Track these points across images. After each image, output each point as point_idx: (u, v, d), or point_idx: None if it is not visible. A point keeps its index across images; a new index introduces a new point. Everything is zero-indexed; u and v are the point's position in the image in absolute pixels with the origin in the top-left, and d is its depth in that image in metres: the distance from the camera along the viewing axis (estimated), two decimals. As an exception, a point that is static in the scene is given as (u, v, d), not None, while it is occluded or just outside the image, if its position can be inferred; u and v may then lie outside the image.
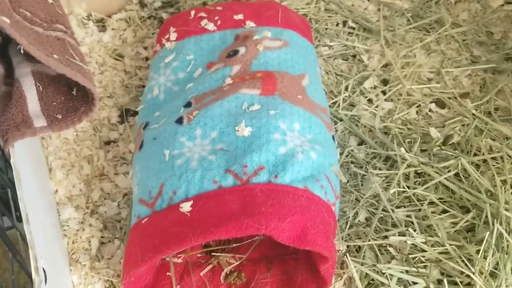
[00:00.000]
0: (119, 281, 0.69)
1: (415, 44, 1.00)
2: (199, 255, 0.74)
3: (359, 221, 0.76)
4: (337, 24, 1.04)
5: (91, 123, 0.87)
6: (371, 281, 0.69)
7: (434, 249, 0.70)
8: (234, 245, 0.74)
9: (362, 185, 0.80)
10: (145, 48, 1.00)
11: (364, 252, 0.72)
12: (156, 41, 0.90)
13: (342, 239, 0.74)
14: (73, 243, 0.73)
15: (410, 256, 0.70)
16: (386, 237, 0.73)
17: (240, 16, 0.86)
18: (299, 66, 0.79)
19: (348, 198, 0.78)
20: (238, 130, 0.68)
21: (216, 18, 0.86)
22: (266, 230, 0.57)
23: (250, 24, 0.85)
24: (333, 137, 0.76)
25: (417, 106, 0.92)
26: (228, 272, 0.72)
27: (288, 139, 0.67)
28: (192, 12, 0.89)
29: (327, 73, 0.96)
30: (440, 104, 0.92)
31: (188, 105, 0.74)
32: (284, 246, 0.71)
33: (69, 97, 0.67)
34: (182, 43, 0.85)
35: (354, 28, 1.03)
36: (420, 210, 0.75)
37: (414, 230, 0.72)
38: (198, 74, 0.80)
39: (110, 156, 0.83)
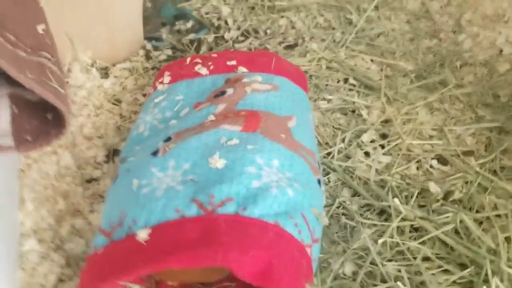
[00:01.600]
0: (71, 322, 0.63)
1: (417, 102, 0.96)
2: (165, 301, 0.67)
3: (344, 274, 0.69)
4: (338, 81, 1.03)
5: (76, 161, 0.85)
6: None
7: (425, 309, 0.62)
8: (204, 291, 0.68)
9: (351, 237, 0.73)
10: (144, 95, 1.00)
11: (346, 308, 0.64)
12: (152, 85, 0.90)
13: (323, 292, 0.66)
14: (29, 277, 0.68)
15: (398, 314, 0.61)
16: (372, 292, 0.65)
17: (233, 62, 0.86)
18: (287, 109, 0.77)
19: (334, 250, 0.71)
20: (211, 162, 0.64)
21: (210, 63, 0.86)
22: (224, 262, 0.52)
23: (242, 69, 0.84)
24: (318, 181, 0.71)
25: (417, 162, 0.86)
26: (192, 320, 0.65)
27: (264, 174, 0.63)
28: (188, 59, 0.90)
29: (324, 125, 0.93)
30: (442, 161, 0.87)
31: (168, 139, 0.72)
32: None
33: (44, 122, 0.66)
34: (175, 85, 0.85)
35: (354, 85, 1.02)
36: (412, 265, 0.68)
37: (405, 286, 0.64)
38: (185, 113, 0.78)
39: (89, 193, 0.80)
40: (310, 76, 1.03)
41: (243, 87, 0.78)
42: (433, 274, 0.66)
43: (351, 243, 0.72)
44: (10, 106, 0.65)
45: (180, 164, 0.65)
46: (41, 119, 0.66)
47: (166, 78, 0.87)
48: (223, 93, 0.79)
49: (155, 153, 0.69)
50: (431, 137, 0.91)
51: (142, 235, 0.57)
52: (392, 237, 0.72)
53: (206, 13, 1.21)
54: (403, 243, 0.71)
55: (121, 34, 1.03)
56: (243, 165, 0.63)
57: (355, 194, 0.81)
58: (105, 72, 1.03)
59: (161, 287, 0.67)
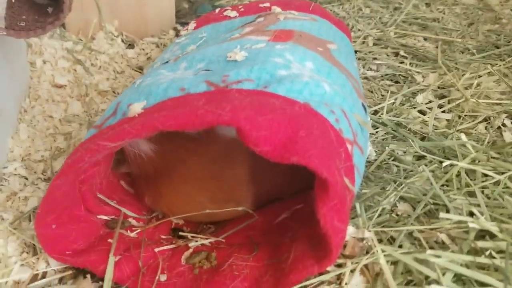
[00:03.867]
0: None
1: (481, 72, 0.83)
2: (163, 236, 0.53)
3: (397, 214, 0.52)
4: (387, 55, 0.91)
5: (86, 112, 0.75)
6: (409, 276, 0.43)
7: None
8: (211, 228, 0.53)
9: (405, 178, 0.57)
10: (170, 65, 0.91)
11: (401, 243, 0.47)
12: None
13: (369, 227, 0.50)
14: (6, 200, 0.55)
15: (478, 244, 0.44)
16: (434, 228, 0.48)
17: (266, 4, 0.76)
18: (326, 35, 0.65)
19: (383, 189, 0.56)
20: (229, 56, 0.52)
21: (241, 7, 0.78)
22: (233, 120, 0.38)
23: (276, 9, 0.74)
24: (363, 105, 0.57)
25: (486, 121, 0.71)
26: (193, 252, 0.49)
27: (294, 67, 0.50)
28: (218, 9, 0.81)
29: (372, 91, 0.80)
30: (517, 120, 0.71)
31: (184, 58, 0.61)
32: (280, 231, 0.50)
33: (43, 15, 0.57)
34: (200, 29, 0.76)
35: (406, 57, 0.89)
36: (489, 201, 0.51)
37: (482, 215, 0.47)
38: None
39: (94, 137, 0.69)
40: (355, 51, 0.92)
41: (276, 16, 0.68)
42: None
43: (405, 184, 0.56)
44: (8, -6, 0.57)
45: (193, 64, 0.54)
46: (41, 14, 0.58)
47: (191, 25, 0.78)
48: (252, 22, 0.69)
49: (165, 63, 0.59)
50: (500, 100, 0.76)
51: (135, 108, 0.45)
52: (460, 181, 0.56)
53: (245, 8, 1.16)
54: (475, 184, 0.55)
55: (152, 9, 0.97)
56: (268, 55, 0.51)
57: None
58: (129, 44, 0.97)
59: (163, 222, 0.54)
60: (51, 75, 0.81)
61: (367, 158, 0.63)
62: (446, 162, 0.56)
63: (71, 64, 0.85)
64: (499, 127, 0.69)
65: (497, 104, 0.74)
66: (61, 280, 0.47)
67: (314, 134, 0.40)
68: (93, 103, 0.77)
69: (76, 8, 0.92)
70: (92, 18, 0.94)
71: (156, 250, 0.49)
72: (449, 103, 0.75)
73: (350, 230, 0.48)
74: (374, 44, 0.95)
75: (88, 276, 0.47)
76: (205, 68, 0.52)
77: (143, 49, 0.95)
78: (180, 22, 1.05)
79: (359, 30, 0.99)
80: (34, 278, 0.46)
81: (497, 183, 0.54)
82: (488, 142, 0.64)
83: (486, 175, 0.56)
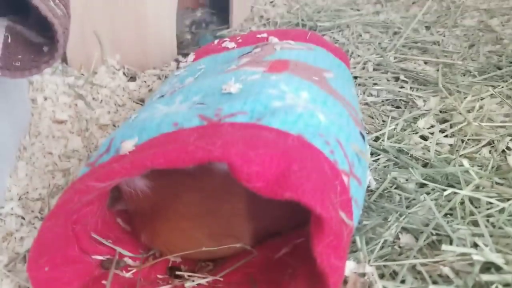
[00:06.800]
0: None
1: (483, 94, 0.82)
2: (160, 276, 0.52)
3: (399, 246, 0.51)
4: (388, 80, 0.91)
5: (86, 147, 0.75)
6: (412, 313, 0.42)
7: (521, 273, 0.42)
8: (209, 265, 0.52)
9: (407, 207, 0.56)
10: (170, 97, 0.91)
11: (403, 277, 0.45)
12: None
13: (370, 261, 0.48)
14: (2, 241, 0.55)
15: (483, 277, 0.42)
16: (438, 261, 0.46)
17: (263, 35, 0.77)
18: (323, 64, 0.65)
19: (385, 219, 0.54)
20: (224, 88, 0.52)
21: (238, 38, 0.78)
22: (224, 156, 0.37)
23: (273, 39, 0.74)
24: (361, 134, 0.56)
25: (490, 145, 0.70)
26: (191, 291, 0.48)
27: (288, 98, 0.50)
28: (216, 41, 0.82)
29: (372, 117, 0.80)
30: (522, 143, 0.69)
31: (180, 92, 0.61)
32: (280, 268, 0.48)
33: (39, 55, 0.58)
34: (199, 61, 0.76)
35: (406, 82, 0.89)
36: (493, 235, 0.49)
37: (486, 246, 0.46)
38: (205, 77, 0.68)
39: (93, 172, 0.69)
40: (355, 77, 0.92)
41: (272, 47, 0.68)
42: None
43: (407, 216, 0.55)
44: (4, 35, 0.58)
45: (188, 97, 0.54)
46: (36, 53, 0.58)
47: (191, 57, 0.79)
48: (249, 52, 0.69)
49: (161, 96, 0.59)
50: (503, 122, 0.75)
51: (127, 145, 0.44)
52: (464, 209, 0.54)
53: (245, 37, 1.16)
54: (479, 212, 0.53)
55: (153, 41, 0.98)
56: (262, 87, 0.51)
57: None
58: (131, 77, 0.97)
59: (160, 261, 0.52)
60: (51, 111, 0.81)
61: (368, 187, 0.62)
62: (448, 191, 0.54)
63: (72, 99, 0.86)
64: (503, 151, 0.68)
65: (500, 127, 0.73)
66: (55, 324, 0.46)
67: (307, 167, 0.39)
68: (93, 138, 0.77)
69: (78, 43, 0.94)
70: (94, 53, 0.95)
71: (152, 290, 0.48)
72: (451, 127, 0.74)
73: (351, 265, 0.47)
74: (374, 70, 0.95)
75: (83, 318, 0.46)
76: (200, 102, 0.51)
77: (145, 82, 0.96)
78: (182, 54, 1.06)
79: (358, 56, 0.99)
80: (27, 322, 0.45)
81: (502, 210, 0.53)
82: (492, 167, 0.63)
83: (491, 202, 0.55)
